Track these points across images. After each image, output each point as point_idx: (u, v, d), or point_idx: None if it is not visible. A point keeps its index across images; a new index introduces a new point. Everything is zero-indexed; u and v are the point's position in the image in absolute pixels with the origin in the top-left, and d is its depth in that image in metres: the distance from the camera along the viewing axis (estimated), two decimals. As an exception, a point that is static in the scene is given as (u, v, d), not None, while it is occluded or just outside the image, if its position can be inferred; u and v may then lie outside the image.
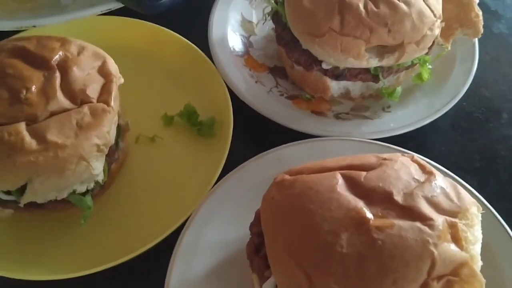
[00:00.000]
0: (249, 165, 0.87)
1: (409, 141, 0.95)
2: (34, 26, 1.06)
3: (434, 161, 0.83)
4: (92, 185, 0.80)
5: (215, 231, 0.81)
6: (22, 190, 0.76)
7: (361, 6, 0.86)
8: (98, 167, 0.78)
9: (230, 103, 0.95)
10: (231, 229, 0.81)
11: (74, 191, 0.79)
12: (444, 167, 0.84)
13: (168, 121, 0.98)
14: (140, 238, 0.81)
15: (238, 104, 0.97)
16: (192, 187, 0.88)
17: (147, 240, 0.80)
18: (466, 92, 0.99)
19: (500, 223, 0.77)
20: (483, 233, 0.63)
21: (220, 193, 0.84)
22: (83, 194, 0.80)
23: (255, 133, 1.00)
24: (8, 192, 0.78)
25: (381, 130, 0.92)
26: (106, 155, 0.82)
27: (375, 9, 0.85)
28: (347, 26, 0.86)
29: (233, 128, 0.92)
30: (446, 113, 0.98)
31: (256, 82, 1.02)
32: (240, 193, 0.84)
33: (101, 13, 1.08)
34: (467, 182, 0.82)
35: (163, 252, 0.79)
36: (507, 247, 0.75)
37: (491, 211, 0.78)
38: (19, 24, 1.06)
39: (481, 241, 0.61)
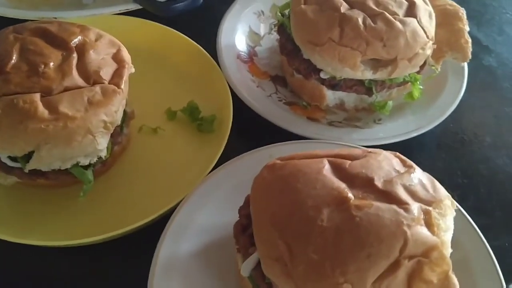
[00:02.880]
0: (242, 159, 0.92)
1: (396, 153, 1.01)
2: (55, 18, 1.12)
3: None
4: (95, 159, 0.84)
5: (205, 215, 0.85)
6: (28, 158, 0.81)
7: (360, 20, 0.93)
8: (102, 143, 0.83)
9: (231, 103, 1.01)
10: (220, 215, 0.85)
11: (77, 164, 0.83)
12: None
13: (171, 115, 1.04)
14: (134, 217, 0.84)
15: (238, 105, 1.02)
16: (187, 176, 0.92)
17: (139, 218, 0.84)
18: (454, 115, 1.06)
19: (469, 222, 0.84)
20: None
21: (213, 181, 0.88)
22: (85, 167, 0.85)
23: (252, 133, 1.06)
24: (14, 159, 0.83)
25: (370, 138, 0.98)
26: (111, 136, 0.87)
27: (372, 24, 0.93)
28: (346, 38, 0.93)
29: (232, 126, 0.97)
30: (433, 132, 1.04)
31: (257, 86, 1.08)
32: (232, 184, 0.88)
33: (119, 12, 1.15)
34: (448, 196, 0.87)
35: (154, 233, 0.82)
36: (475, 242, 0.82)
37: (461, 212, 0.84)
38: (40, 14, 1.12)
39: (452, 230, 0.66)
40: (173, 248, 0.80)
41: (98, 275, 0.85)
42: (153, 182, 0.94)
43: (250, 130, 1.06)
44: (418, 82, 1.02)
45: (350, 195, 0.64)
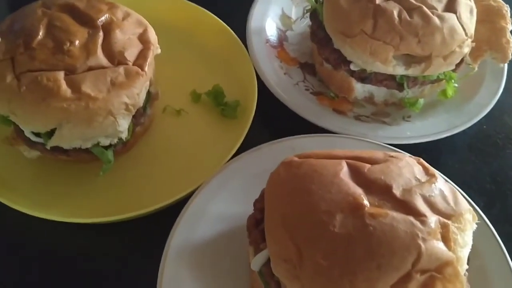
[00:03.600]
0: (263, 149, 0.90)
1: (423, 153, 0.96)
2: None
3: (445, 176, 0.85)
4: (115, 140, 0.85)
5: (221, 204, 0.84)
6: (50, 134, 0.81)
7: (395, 13, 0.89)
8: (123, 124, 0.83)
9: (256, 90, 0.99)
10: (236, 205, 0.84)
11: (98, 143, 0.84)
12: (453, 183, 0.85)
13: (195, 97, 1.03)
14: (152, 199, 0.85)
15: (264, 92, 1.01)
16: (207, 161, 0.92)
17: (157, 201, 0.84)
18: (488, 116, 1.01)
19: (492, 232, 0.81)
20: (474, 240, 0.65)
21: (231, 169, 0.87)
22: (106, 148, 0.85)
23: (275, 121, 1.04)
24: (37, 135, 0.84)
25: (397, 136, 0.95)
26: (133, 117, 0.87)
27: (408, 18, 0.88)
28: (379, 31, 0.89)
29: (255, 114, 0.96)
30: (465, 133, 1.00)
31: (284, 73, 1.06)
32: (250, 173, 0.87)
33: (149, -13, 1.14)
34: (474, 201, 0.83)
35: (169, 217, 0.82)
36: (496, 254, 0.79)
37: (484, 221, 0.81)
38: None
39: (470, 246, 0.63)
40: (186, 234, 0.80)
41: (111, 254, 0.87)
42: (172, 165, 0.94)
43: (274, 118, 1.04)
44: (453, 80, 0.98)
45: (365, 202, 0.62)
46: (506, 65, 1.05)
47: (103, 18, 0.87)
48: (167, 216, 0.82)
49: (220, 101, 1.01)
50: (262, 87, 1.01)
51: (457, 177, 0.97)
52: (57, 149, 0.84)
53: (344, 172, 0.67)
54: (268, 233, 0.67)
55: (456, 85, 1.00)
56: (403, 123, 0.99)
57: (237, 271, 0.80)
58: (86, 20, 0.86)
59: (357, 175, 0.66)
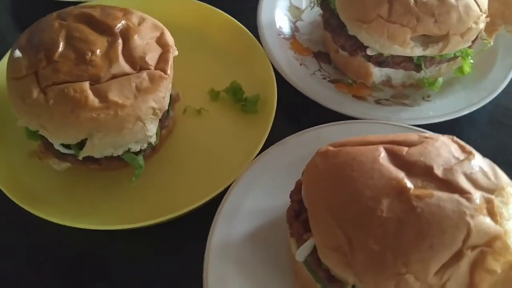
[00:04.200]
0: (289, 141, 0.91)
1: (445, 131, 0.97)
2: (97, -4, 1.12)
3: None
4: (145, 145, 0.85)
5: (255, 199, 0.85)
6: (80, 145, 0.82)
7: (410, -5, 0.89)
8: (152, 129, 0.83)
9: (275, 82, 0.99)
10: (269, 198, 0.85)
11: (128, 150, 0.84)
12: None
13: (214, 95, 1.03)
14: (184, 200, 0.86)
15: (281, 85, 1.01)
16: (234, 158, 0.92)
17: (190, 202, 0.85)
18: (505, 89, 1.02)
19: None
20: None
21: (261, 164, 0.88)
22: (136, 153, 0.86)
23: (296, 113, 1.04)
24: (67, 146, 0.84)
25: (420, 117, 0.95)
26: (159, 120, 0.87)
27: (423, -1, 0.89)
28: (395, 14, 0.89)
29: (276, 106, 0.96)
30: (484, 107, 1.01)
31: (300, 64, 1.06)
32: (280, 166, 0.88)
33: (157, -10, 1.14)
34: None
35: (206, 215, 0.82)
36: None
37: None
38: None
39: (515, 218, 0.64)
40: (225, 231, 0.81)
41: (143, 258, 0.87)
42: (200, 165, 0.94)
43: (294, 110, 1.05)
44: (469, 57, 0.98)
45: (409, 184, 0.63)
46: (519, 37, 1.06)
47: (120, 25, 0.87)
48: (204, 214, 0.83)
49: (239, 97, 1.01)
50: (279, 80, 1.01)
51: (481, 152, 0.97)
52: (88, 159, 0.84)
53: (382, 157, 0.67)
54: (313, 224, 0.68)
55: (472, 61, 1.01)
56: (424, 103, 1.00)
57: (279, 263, 0.81)
58: (103, 28, 0.86)
59: (396, 159, 0.67)
